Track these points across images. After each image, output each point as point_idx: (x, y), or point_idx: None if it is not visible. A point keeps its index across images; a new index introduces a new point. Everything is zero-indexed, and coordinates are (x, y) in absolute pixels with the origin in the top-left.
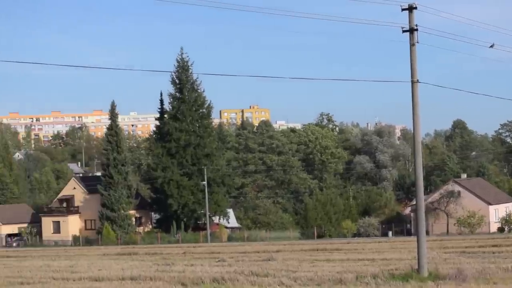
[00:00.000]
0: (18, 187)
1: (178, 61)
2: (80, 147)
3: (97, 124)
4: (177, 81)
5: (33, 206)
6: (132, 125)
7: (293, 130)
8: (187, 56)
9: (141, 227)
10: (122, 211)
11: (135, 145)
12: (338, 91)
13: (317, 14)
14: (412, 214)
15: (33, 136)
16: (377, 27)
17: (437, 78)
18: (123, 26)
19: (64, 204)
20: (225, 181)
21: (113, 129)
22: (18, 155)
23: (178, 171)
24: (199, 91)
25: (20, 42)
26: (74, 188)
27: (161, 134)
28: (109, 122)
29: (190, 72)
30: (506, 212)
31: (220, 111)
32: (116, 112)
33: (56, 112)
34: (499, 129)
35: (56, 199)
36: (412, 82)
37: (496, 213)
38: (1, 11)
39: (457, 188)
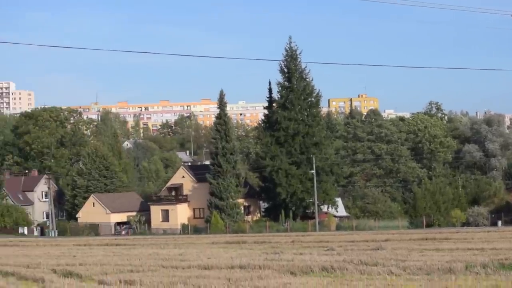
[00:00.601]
0: (127, 175)
1: (286, 50)
2: (188, 136)
3: (205, 113)
4: (285, 70)
5: (142, 194)
6: (241, 114)
7: (402, 119)
8: (296, 45)
9: (250, 216)
10: (231, 200)
11: (243, 134)
12: (447, 79)
13: (425, 2)
14: None
15: (141, 125)
16: (487, 14)
17: None
18: (232, 15)
19: (173, 193)
20: (333, 170)
21: (222, 118)
22: (127, 144)
23: (286, 159)
24: (307, 80)
25: (127, 32)
26: (183, 176)
27: (269, 123)
28: (217, 111)
29: (298, 61)
30: None
31: (329, 100)
32: (224, 101)
33: (165, 101)
34: None
35: (165, 187)
36: None
37: None
38: (109, 4)
39: None
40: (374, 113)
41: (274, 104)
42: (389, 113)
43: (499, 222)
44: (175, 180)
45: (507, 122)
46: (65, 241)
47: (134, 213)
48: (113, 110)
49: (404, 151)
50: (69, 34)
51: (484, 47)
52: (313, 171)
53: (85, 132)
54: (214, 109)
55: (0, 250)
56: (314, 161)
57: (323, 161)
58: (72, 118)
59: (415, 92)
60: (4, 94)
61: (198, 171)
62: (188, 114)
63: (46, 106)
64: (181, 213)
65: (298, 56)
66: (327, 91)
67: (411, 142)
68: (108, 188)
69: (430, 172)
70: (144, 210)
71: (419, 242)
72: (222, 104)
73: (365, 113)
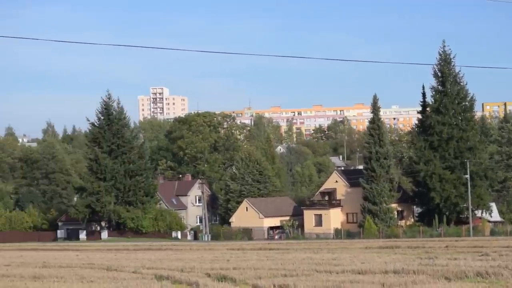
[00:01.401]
0: (280, 180)
1: (440, 54)
2: (341, 141)
3: (358, 117)
4: (439, 74)
5: (294, 199)
6: (394, 119)
7: None
8: (449, 49)
9: (403, 221)
10: (384, 205)
11: (396, 138)
12: None
13: None
14: None
15: (294, 130)
16: None
17: None
18: (386, 20)
19: (326, 197)
20: (487, 174)
21: (375, 122)
22: (280, 149)
23: (440, 164)
24: (461, 84)
25: (281, 38)
26: (336, 181)
27: (423, 127)
28: (371, 115)
29: (452, 64)
30: None
31: (483, 104)
32: (378, 105)
33: (318, 105)
34: None
35: (318, 192)
36: None
37: None
38: (264, 9)
39: None
40: None
41: (427, 109)
42: None
43: None
44: (328, 184)
45: None
46: (218, 245)
47: (287, 218)
48: (266, 114)
49: None
50: (223, 39)
51: None
52: (467, 176)
53: (239, 136)
54: (367, 114)
55: (154, 254)
56: (468, 166)
57: (477, 165)
58: (225, 123)
59: None
60: (158, 99)
61: (351, 176)
62: (341, 119)
63: (199, 111)
64: (334, 218)
65: (451, 60)
66: (481, 95)
67: None
68: (261, 192)
69: None
70: (297, 214)
71: None
72: (375, 109)
73: None
